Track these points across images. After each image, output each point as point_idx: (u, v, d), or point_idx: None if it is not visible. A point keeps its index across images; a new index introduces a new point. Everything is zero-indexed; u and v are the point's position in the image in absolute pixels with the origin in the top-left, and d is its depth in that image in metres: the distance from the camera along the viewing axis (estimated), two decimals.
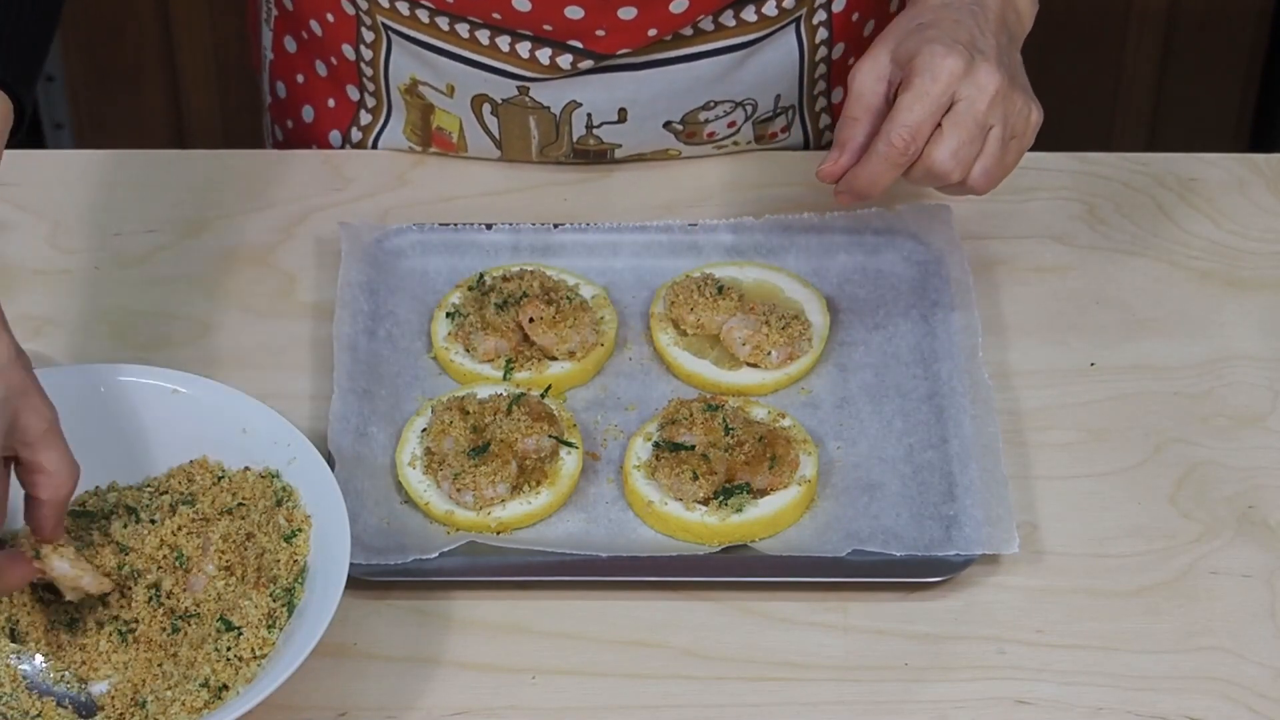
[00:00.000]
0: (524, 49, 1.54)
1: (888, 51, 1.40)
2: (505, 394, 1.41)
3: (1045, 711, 1.29)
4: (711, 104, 1.59)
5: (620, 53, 1.54)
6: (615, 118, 1.59)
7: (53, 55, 2.76)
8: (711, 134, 1.62)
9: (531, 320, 1.46)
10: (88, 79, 2.81)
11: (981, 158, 1.38)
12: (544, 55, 1.54)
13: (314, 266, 1.55)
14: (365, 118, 1.64)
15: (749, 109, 1.61)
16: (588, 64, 1.54)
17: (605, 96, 1.57)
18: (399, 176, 1.62)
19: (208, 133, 2.86)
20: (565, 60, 1.54)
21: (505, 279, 1.49)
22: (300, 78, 1.67)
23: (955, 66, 1.36)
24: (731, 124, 1.62)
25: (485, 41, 1.54)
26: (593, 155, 1.61)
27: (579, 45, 1.53)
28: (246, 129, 2.02)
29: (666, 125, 1.60)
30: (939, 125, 1.37)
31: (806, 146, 1.67)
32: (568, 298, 1.47)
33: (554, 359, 1.47)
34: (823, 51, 1.61)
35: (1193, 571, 1.36)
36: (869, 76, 1.40)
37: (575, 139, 1.60)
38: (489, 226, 1.55)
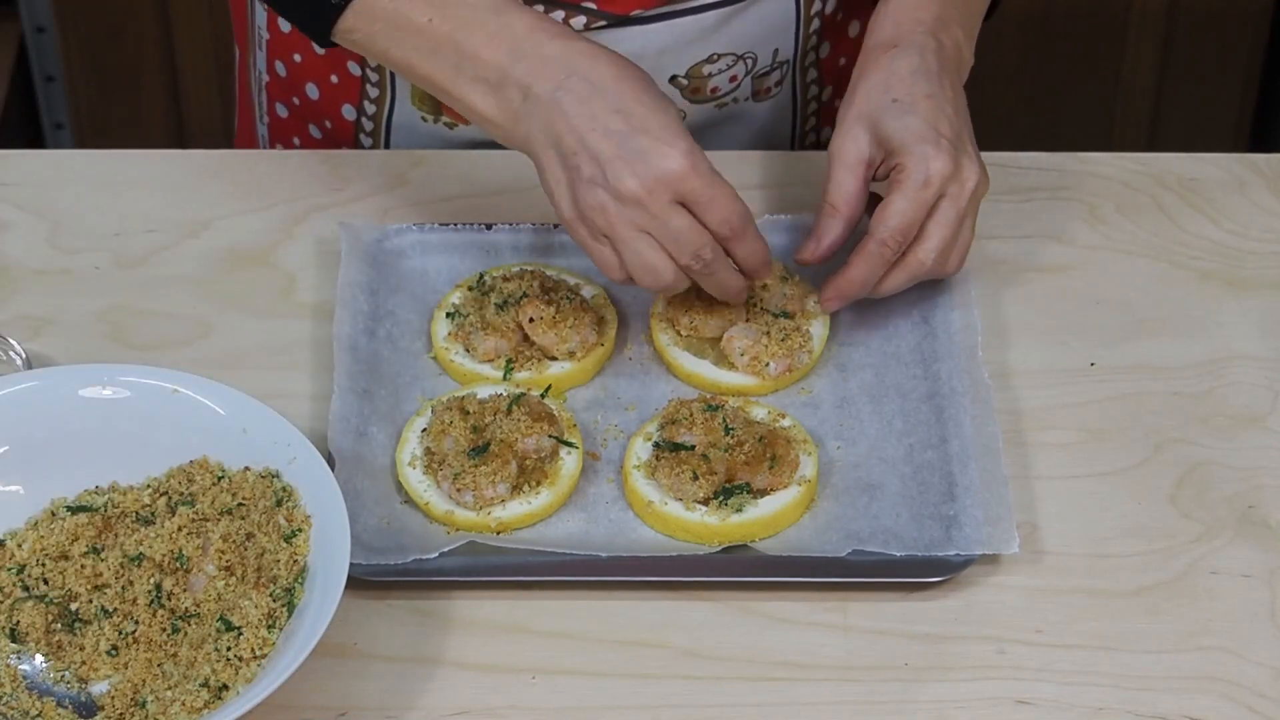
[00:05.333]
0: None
1: (865, 130, 1.45)
2: (505, 394, 1.41)
3: (1045, 711, 1.29)
4: (715, 56, 1.60)
5: (633, 13, 1.55)
6: None
7: (53, 55, 2.76)
8: (715, 89, 1.63)
9: (531, 320, 1.45)
10: (88, 79, 2.81)
11: (957, 247, 1.45)
12: (557, 17, 1.54)
13: (314, 266, 1.55)
14: (372, 91, 1.64)
15: (749, 62, 1.62)
16: (601, 24, 1.55)
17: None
18: (399, 176, 1.62)
19: (208, 133, 2.86)
20: (579, 22, 1.55)
21: (505, 279, 1.49)
22: (297, 57, 1.66)
23: (945, 169, 1.42)
24: (733, 78, 1.63)
25: None
26: None
27: (592, 7, 1.54)
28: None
29: (673, 80, 1.61)
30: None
31: (794, 103, 1.69)
32: (568, 298, 1.47)
33: (554, 359, 1.46)
34: (817, 6, 1.62)
35: (1193, 571, 1.36)
36: (850, 159, 1.45)
37: None
38: (489, 226, 1.55)
